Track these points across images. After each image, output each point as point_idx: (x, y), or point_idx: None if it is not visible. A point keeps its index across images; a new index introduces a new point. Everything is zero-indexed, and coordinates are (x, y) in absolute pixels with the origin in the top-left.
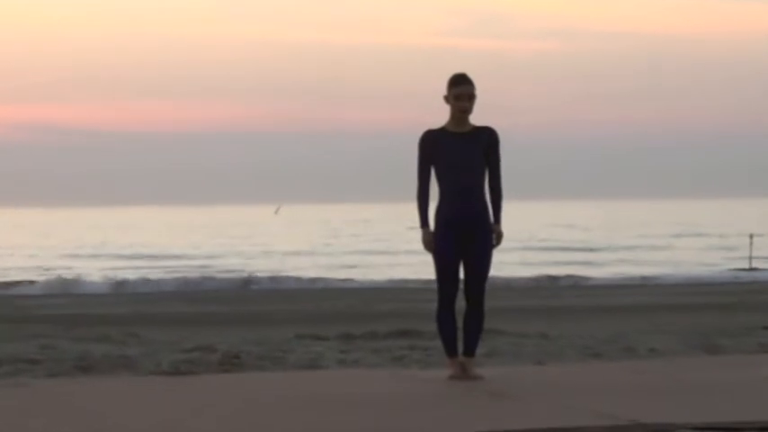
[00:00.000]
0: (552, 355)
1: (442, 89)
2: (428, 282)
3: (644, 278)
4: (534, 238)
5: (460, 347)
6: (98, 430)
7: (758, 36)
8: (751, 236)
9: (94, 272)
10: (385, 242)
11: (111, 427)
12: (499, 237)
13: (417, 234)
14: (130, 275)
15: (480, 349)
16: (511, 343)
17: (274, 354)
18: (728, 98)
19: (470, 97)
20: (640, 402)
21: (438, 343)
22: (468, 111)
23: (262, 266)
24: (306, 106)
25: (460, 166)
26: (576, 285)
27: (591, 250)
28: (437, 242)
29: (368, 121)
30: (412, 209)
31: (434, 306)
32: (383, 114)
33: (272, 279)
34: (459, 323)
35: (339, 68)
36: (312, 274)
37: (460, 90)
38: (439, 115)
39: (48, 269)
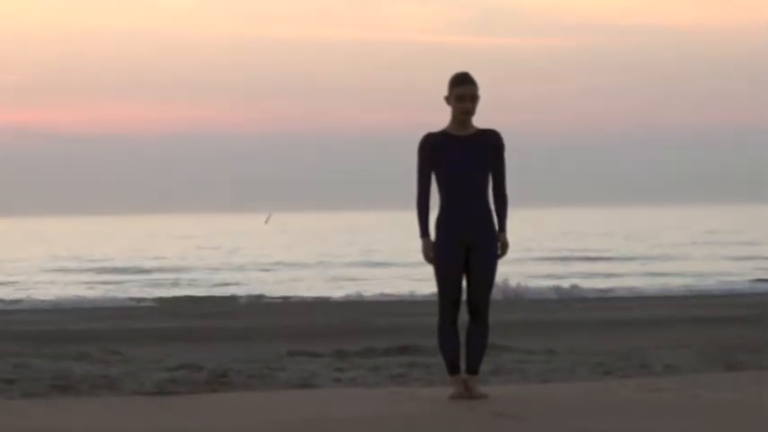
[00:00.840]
0: (561, 372)
1: (443, 89)
2: (429, 295)
3: (661, 289)
4: (545, 247)
5: (463, 364)
6: None
7: None
8: None
9: (69, 285)
10: (381, 253)
11: None
12: (504, 246)
13: (413, 243)
14: (103, 290)
15: (485, 366)
16: (517, 360)
17: (265, 372)
18: (746, 95)
19: (473, 98)
20: (655, 423)
21: (439, 359)
22: (470, 112)
23: (250, 279)
24: (297, 107)
25: (463, 172)
26: (586, 297)
27: (607, 259)
28: (438, 252)
29: (364, 123)
30: (411, 217)
31: (435, 320)
32: (380, 115)
33: (262, 292)
34: (462, 338)
35: (333, 67)
36: (304, 286)
37: (462, 90)
38: (440, 117)
39: (13, 282)
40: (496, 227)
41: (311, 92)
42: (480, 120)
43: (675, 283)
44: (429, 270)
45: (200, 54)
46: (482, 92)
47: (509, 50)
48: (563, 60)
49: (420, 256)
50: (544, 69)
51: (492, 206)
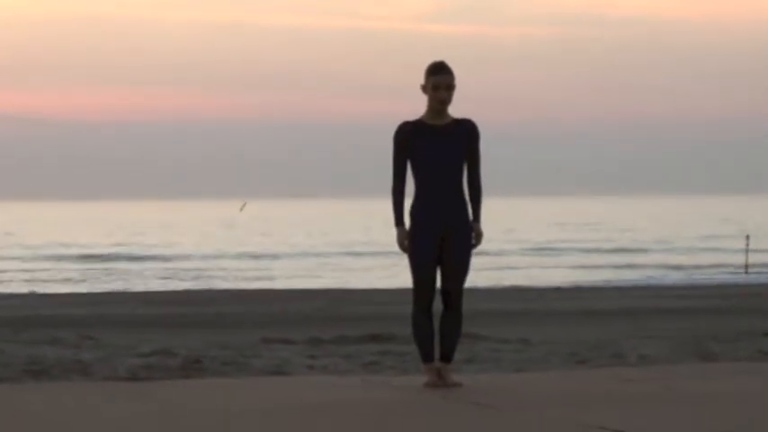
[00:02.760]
0: (535, 361)
1: (420, 78)
2: (402, 284)
3: (635, 280)
4: (527, 240)
5: (437, 353)
6: None
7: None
8: (747, 237)
9: (43, 272)
10: (356, 242)
11: None
12: (479, 236)
13: (387, 232)
14: (83, 275)
15: (458, 355)
16: (491, 349)
17: (239, 359)
18: (734, 87)
19: (449, 87)
20: (629, 412)
21: (413, 348)
22: (446, 102)
23: (224, 267)
24: (274, 95)
25: (438, 161)
26: (560, 288)
27: (583, 251)
28: (413, 241)
29: (339, 111)
30: (388, 205)
31: (409, 309)
32: (356, 104)
33: (235, 279)
34: (436, 327)
35: (309, 55)
36: (278, 275)
37: (438, 80)
38: (417, 106)
39: None
40: (471, 216)
41: (290, 80)
42: (457, 108)
43: (650, 274)
44: (403, 260)
45: (178, 41)
46: (460, 80)
47: (489, 39)
48: (543, 49)
49: (395, 246)
50: (524, 58)
51: (467, 196)
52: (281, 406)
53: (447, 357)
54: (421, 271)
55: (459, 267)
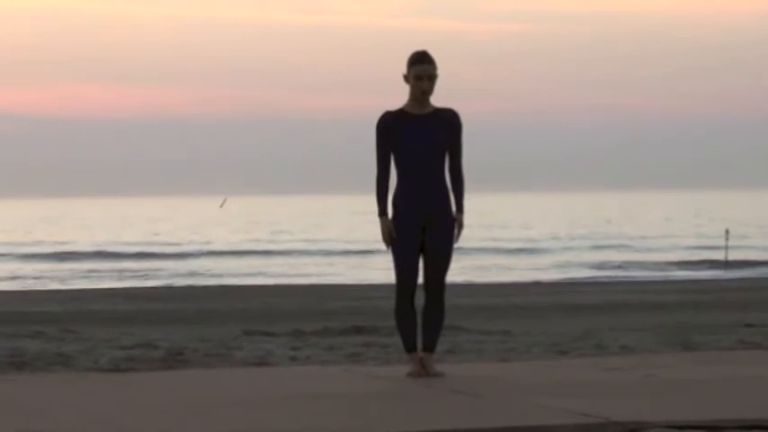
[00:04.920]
0: (518, 352)
1: (397, 75)
2: (385, 279)
3: (616, 276)
4: (506, 236)
5: (420, 343)
6: (41, 430)
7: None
8: (727, 231)
9: (25, 269)
10: (337, 237)
11: (53, 426)
12: (461, 227)
13: (370, 227)
14: (60, 272)
15: (441, 346)
16: (473, 340)
17: (221, 351)
18: (707, 81)
19: (431, 78)
20: (612, 400)
21: (396, 340)
22: (428, 92)
23: (205, 263)
24: (250, 91)
25: (419, 151)
26: (540, 282)
27: (561, 249)
28: (396, 231)
29: (315, 107)
30: (367, 201)
31: (391, 304)
32: (331, 100)
33: (216, 276)
34: (419, 318)
35: (283, 51)
36: (260, 271)
37: (420, 70)
38: (393, 101)
39: None
40: (453, 206)
41: (263, 76)
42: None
43: (629, 270)
44: (384, 255)
45: (151, 37)
46: (439, 77)
47: (463, 35)
48: (518, 45)
49: (376, 242)
50: (499, 54)
51: (449, 186)
52: (264, 395)
53: (430, 347)
54: (403, 261)
55: (442, 257)
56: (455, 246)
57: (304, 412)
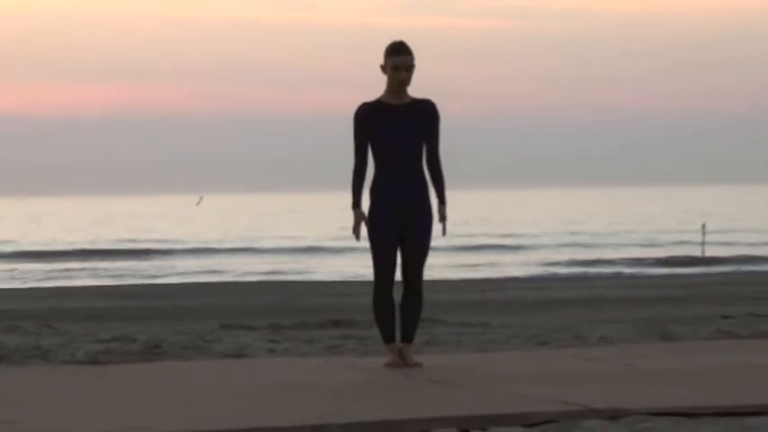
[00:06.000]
0: (496, 343)
1: (374, 73)
2: (363, 275)
3: (593, 271)
4: (484, 232)
5: (398, 335)
6: (16, 419)
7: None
8: (703, 225)
9: None
10: (314, 235)
11: (29, 415)
12: (444, 218)
13: (345, 226)
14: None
15: (419, 338)
16: (452, 332)
17: (199, 343)
18: (689, 78)
19: (408, 68)
20: (591, 388)
21: (374, 332)
22: (405, 82)
23: (182, 260)
24: (227, 89)
25: (397, 141)
26: (517, 278)
27: (537, 247)
28: (373, 223)
29: (293, 105)
30: (343, 199)
31: (369, 299)
32: (309, 98)
33: (193, 273)
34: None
35: (263, 49)
36: (236, 267)
37: (398, 60)
38: (373, 95)
39: None
40: (431, 198)
41: (245, 74)
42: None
43: (607, 266)
44: (363, 252)
45: (131, 35)
46: (418, 73)
47: (446, 31)
48: (501, 42)
49: (354, 239)
50: (481, 50)
51: (427, 177)
52: (243, 386)
53: (408, 338)
54: (381, 251)
55: (419, 248)
56: (445, 237)
57: (284, 402)
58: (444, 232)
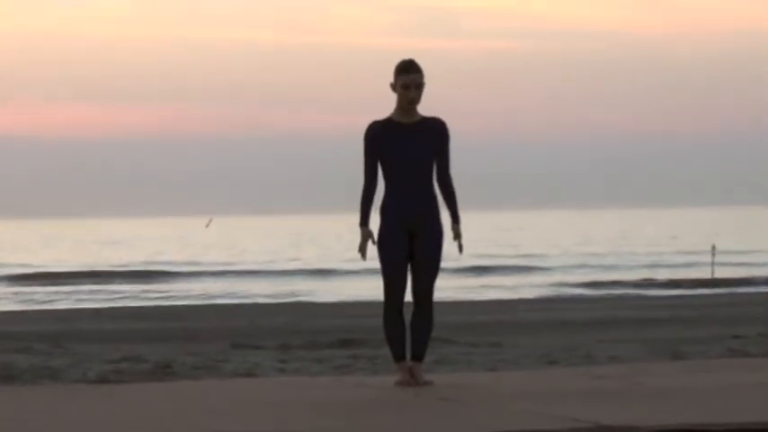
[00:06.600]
0: (506, 362)
1: (384, 93)
2: (374, 297)
3: (602, 293)
4: (490, 254)
5: (408, 353)
6: None
7: (726, 35)
8: (713, 246)
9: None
10: (324, 256)
11: None
12: (458, 236)
13: (352, 248)
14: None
15: (429, 357)
16: (462, 352)
17: (209, 363)
18: (696, 101)
19: (418, 86)
20: (602, 406)
21: (384, 351)
22: (415, 101)
23: (191, 282)
24: (238, 110)
25: (407, 159)
26: (527, 300)
27: (545, 269)
28: (383, 241)
29: (304, 126)
30: (351, 220)
31: (379, 321)
32: (320, 119)
33: (202, 296)
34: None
35: (272, 71)
36: (245, 289)
37: (408, 78)
38: (377, 116)
39: None
40: (440, 215)
41: (251, 96)
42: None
43: (616, 288)
44: (373, 275)
45: (143, 57)
46: (426, 93)
47: (450, 53)
48: (506, 63)
49: (362, 260)
50: (486, 72)
51: (437, 195)
52: (253, 405)
53: (418, 356)
54: (391, 269)
55: (430, 265)
56: (461, 255)
57: (294, 420)
58: (461, 250)
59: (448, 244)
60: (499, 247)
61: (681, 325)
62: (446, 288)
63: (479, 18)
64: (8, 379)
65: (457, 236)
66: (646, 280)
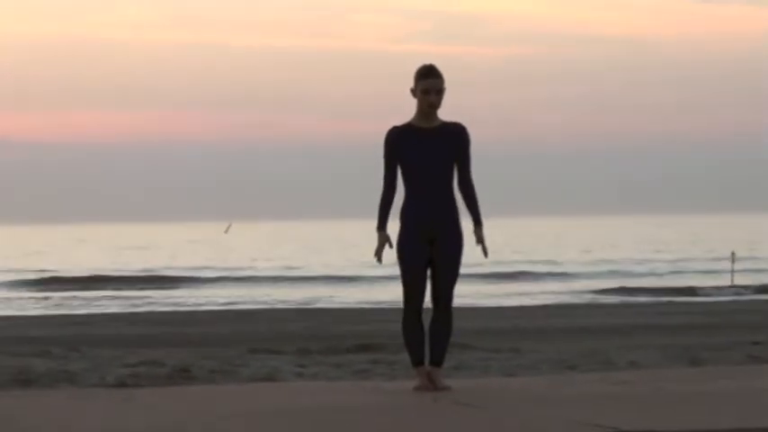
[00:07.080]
0: (525, 368)
1: (403, 99)
2: (393, 303)
3: (621, 299)
4: (511, 260)
5: (428, 357)
6: None
7: (736, 37)
8: (733, 253)
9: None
10: (342, 262)
11: None
12: (481, 240)
13: (370, 254)
14: (69, 298)
15: (448, 363)
16: (481, 357)
17: (227, 368)
18: (710, 103)
19: (438, 92)
20: (621, 412)
21: (402, 357)
22: (435, 106)
23: (209, 288)
24: (256, 116)
25: (427, 164)
26: (546, 306)
27: (562, 275)
28: (403, 246)
29: (323, 132)
30: (369, 226)
31: (397, 326)
32: (338, 125)
33: (220, 301)
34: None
35: (291, 76)
36: (263, 295)
37: (428, 84)
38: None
39: None
40: (460, 220)
41: (270, 101)
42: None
43: (635, 294)
44: (392, 281)
45: (156, 62)
46: (444, 99)
47: (469, 58)
48: (524, 68)
49: (381, 265)
50: (505, 77)
51: (456, 199)
52: (270, 410)
53: (438, 361)
54: (410, 275)
55: (449, 270)
56: (487, 259)
57: (313, 425)
58: (486, 254)
59: (471, 248)
60: (520, 253)
61: (700, 331)
62: (466, 294)
63: (499, 24)
64: (26, 383)
65: (479, 240)
66: (665, 287)
